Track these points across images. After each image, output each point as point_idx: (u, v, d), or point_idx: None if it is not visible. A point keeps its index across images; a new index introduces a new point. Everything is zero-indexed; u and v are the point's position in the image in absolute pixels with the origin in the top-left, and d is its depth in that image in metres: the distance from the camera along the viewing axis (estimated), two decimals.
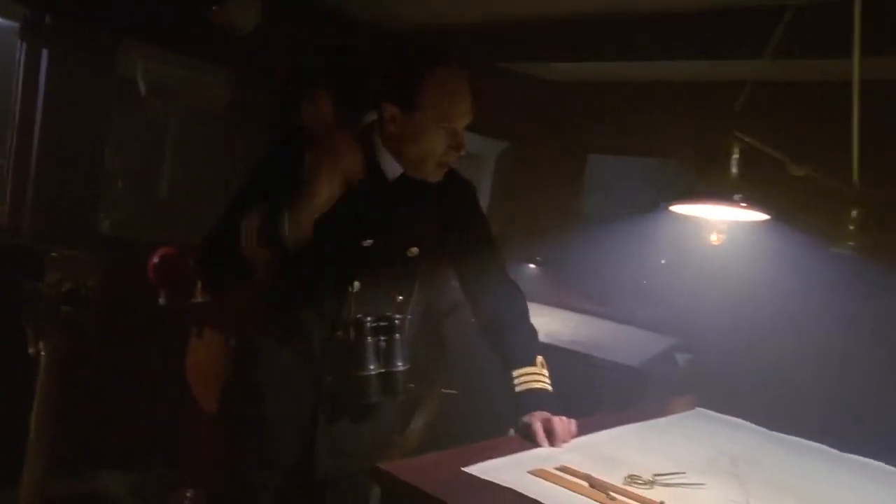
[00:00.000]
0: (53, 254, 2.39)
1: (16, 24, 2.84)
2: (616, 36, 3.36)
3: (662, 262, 4.15)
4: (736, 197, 1.30)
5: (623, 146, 4.23)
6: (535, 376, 1.60)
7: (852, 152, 1.75)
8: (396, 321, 1.51)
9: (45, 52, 2.83)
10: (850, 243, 1.78)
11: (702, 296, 3.55)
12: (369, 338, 1.48)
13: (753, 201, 1.32)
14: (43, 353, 2.42)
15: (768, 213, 1.40)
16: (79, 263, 2.41)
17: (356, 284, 1.48)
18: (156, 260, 2.74)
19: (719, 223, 3.75)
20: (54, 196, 2.91)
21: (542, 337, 3.88)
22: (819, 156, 1.79)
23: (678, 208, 1.48)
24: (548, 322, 3.89)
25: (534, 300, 4.26)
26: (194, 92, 4.24)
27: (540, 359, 1.65)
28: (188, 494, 2.85)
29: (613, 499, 1.23)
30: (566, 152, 4.43)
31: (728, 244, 3.62)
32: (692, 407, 2.10)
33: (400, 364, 1.52)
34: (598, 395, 3.07)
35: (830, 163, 1.74)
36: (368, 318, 1.48)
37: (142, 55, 3.83)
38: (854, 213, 1.78)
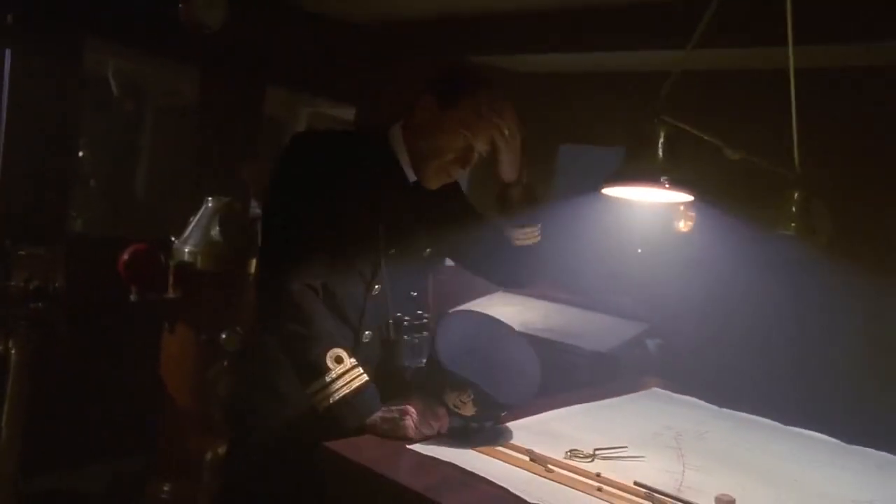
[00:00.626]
0: (21, 252, 2.42)
1: None
2: (582, 27, 3.42)
3: (639, 251, 4.21)
4: (662, 179, 1.36)
5: (593, 136, 4.29)
6: None
7: (792, 138, 1.81)
8: (425, 320, 1.61)
9: (7, 52, 2.84)
10: (793, 225, 1.84)
11: (671, 282, 3.62)
12: (405, 336, 1.57)
13: (678, 183, 1.38)
14: (13, 351, 2.45)
15: (692, 195, 1.46)
16: (46, 261, 2.44)
17: (376, 287, 1.54)
18: (126, 257, 2.77)
19: (688, 211, 3.82)
20: (22, 196, 2.92)
21: (515, 325, 3.92)
22: (760, 142, 1.85)
23: (610, 191, 1.54)
24: (521, 311, 3.95)
25: (507, 290, 4.31)
26: (166, 90, 4.25)
27: None
28: (165, 488, 2.89)
29: (551, 471, 1.29)
30: (537, 143, 4.48)
31: (693, 232, 3.70)
32: (649, 388, 2.15)
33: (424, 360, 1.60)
34: (571, 381, 3.13)
35: (770, 149, 1.81)
36: (406, 319, 1.57)
37: (113, 55, 3.84)
38: (796, 196, 1.84)
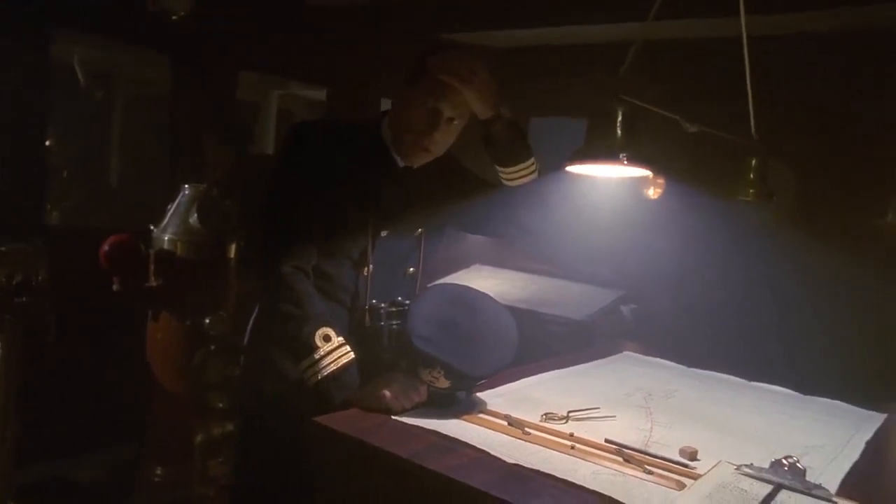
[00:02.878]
0: (2, 248, 2.44)
1: None
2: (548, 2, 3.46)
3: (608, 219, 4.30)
4: (620, 156, 1.44)
5: (563, 108, 4.34)
6: None
7: (748, 106, 1.89)
8: (405, 307, 1.62)
9: None
10: (751, 191, 1.93)
11: (643, 249, 3.72)
12: (383, 322, 1.61)
13: (636, 159, 1.46)
14: (0, 346, 2.48)
15: (650, 170, 1.54)
16: (28, 255, 2.46)
17: (370, 268, 1.61)
18: (106, 247, 2.79)
19: (657, 179, 3.91)
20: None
21: (493, 297, 3.99)
22: (720, 110, 1.93)
23: (573, 168, 1.61)
24: (497, 283, 4.04)
25: (482, 262, 4.39)
26: (135, 78, 4.22)
27: None
28: (158, 472, 2.96)
29: (528, 433, 1.38)
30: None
31: (663, 199, 3.79)
32: (622, 352, 2.26)
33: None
34: (549, 349, 3.23)
35: (730, 116, 1.89)
36: (383, 305, 1.62)
37: (79, 43, 3.80)
38: (753, 162, 1.93)
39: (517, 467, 1.21)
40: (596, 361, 2.08)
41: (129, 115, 4.32)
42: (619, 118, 1.44)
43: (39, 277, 2.48)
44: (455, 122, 1.58)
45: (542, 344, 3.43)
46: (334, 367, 1.44)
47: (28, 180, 3.10)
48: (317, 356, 1.44)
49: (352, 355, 1.48)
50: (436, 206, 1.72)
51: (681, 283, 3.52)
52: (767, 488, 1.19)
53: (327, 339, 1.46)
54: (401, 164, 1.65)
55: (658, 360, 2.17)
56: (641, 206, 3.83)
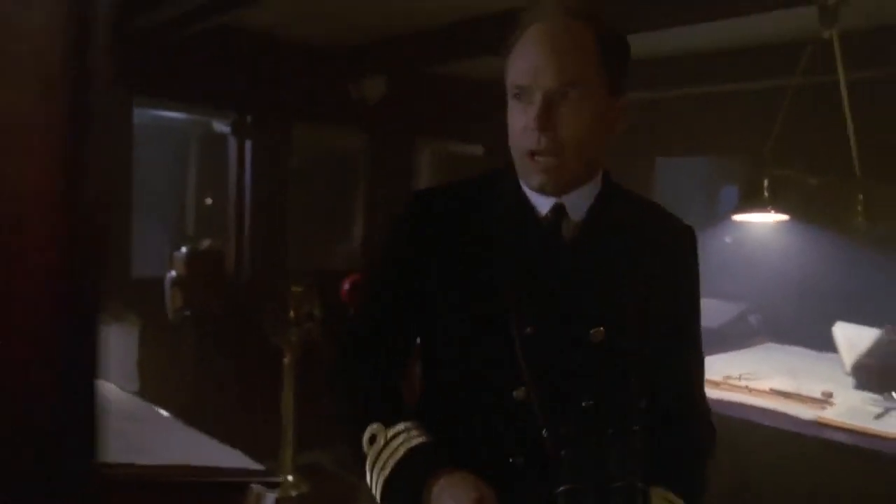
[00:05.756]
0: (291, 289, 3.39)
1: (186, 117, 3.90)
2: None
3: (727, 240, 4.85)
4: (769, 209, 2.18)
5: (688, 148, 4.82)
6: None
7: (852, 150, 2.53)
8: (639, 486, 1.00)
9: (248, 144, 3.88)
10: (860, 220, 2.57)
11: (766, 264, 4.25)
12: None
13: (780, 210, 2.20)
14: (285, 360, 3.42)
15: (789, 215, 2.27)
16: (310, 294, 3.41)
17: (521, 391, 1.02)
18: (347, 286, 3.70)
19: None
20: (270, 247, 3.95)
21: None
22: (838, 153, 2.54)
23: (737, 217, 2.37)
24: None
25: None
26: (335, 149, 5.20)
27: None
28: None
29: (718, 384, 2.12)
30: (635, 156, 5.04)
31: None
32: (763, 343, 2.95)
33: None
34: None
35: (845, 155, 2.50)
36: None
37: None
38: (860, 198, 2.56)
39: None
40: (745, 349, 2.78)
41: (329, 180, 5.22)
42: (766, 184, 2.18)
43: (315, 311, 3.42)
44: (572, 93, 1.00)
45: None
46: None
47: (286, 237, 4.09)
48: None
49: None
50: (628, 290, 1.08)
51: (805, 292, 3.99)
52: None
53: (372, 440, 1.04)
54: (543, 209, 1.08)
55: (791, 347, 2.85)
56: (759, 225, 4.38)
